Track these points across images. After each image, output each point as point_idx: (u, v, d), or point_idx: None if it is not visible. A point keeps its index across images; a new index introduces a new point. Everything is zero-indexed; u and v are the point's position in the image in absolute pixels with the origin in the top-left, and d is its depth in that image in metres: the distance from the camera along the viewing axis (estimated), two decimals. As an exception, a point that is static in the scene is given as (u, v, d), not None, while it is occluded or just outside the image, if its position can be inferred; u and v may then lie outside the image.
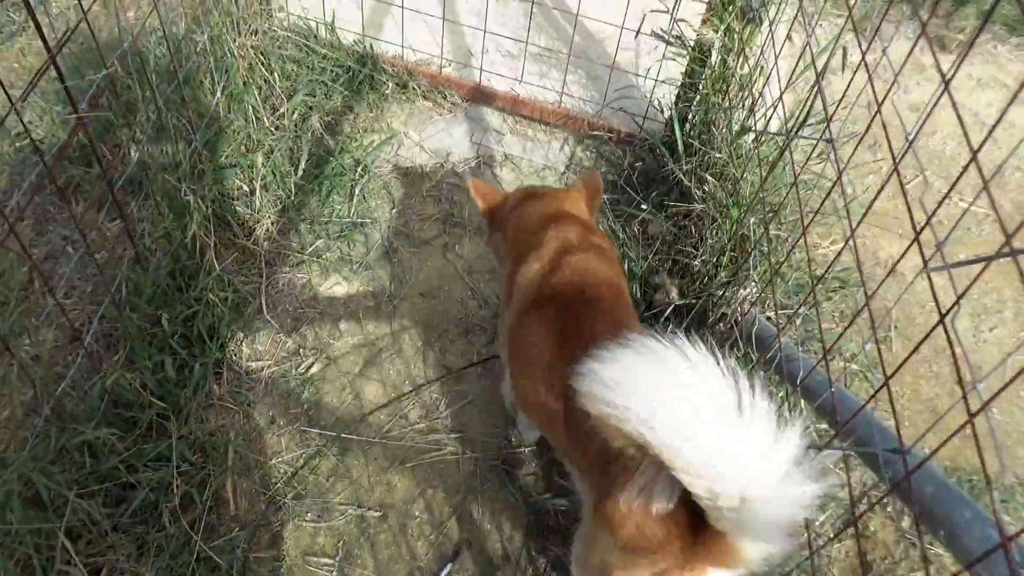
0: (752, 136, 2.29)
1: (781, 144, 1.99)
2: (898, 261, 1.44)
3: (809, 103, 1.80)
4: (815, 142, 2.29)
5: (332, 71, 3.06)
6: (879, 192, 1.51)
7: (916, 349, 1.24)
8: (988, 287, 2.94)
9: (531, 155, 3.10)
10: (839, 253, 1.49)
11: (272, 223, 2.65)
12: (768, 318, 2.14)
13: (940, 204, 1.33)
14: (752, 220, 2.15)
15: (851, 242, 1.44)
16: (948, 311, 1.05)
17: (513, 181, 2.99)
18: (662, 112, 2.92)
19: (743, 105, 2.48)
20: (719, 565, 1.28)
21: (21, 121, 1.43)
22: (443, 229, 2.83)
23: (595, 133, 3.08)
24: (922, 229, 1.20)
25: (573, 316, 1.66)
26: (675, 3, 2.56)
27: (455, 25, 3.35)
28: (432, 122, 3.16)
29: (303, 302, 2.55)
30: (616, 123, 3.06)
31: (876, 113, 1.40)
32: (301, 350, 2.43)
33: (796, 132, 1.93)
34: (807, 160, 2.00)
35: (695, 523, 1.26)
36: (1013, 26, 3.94)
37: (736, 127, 2.41)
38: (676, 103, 2.84)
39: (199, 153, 2.39)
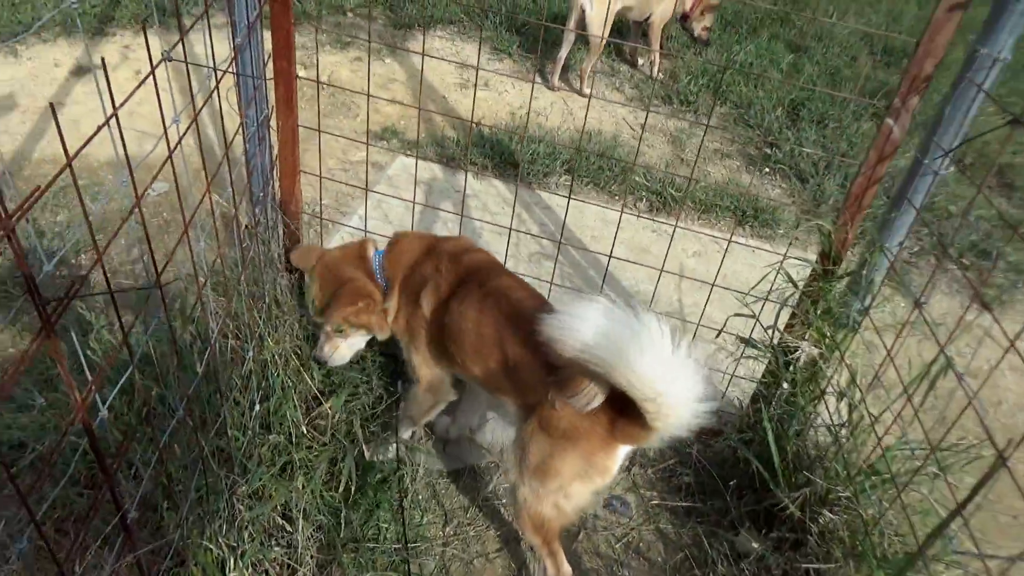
0: (883, 478, 2.04)
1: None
2: None
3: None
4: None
5: (375, 359, 2.79)
6: None
7: None
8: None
9: (590, 446, 2.80)
10: None
11: (312, 557, 2.25)
12: None
13: None
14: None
15: None
16: None
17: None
18: (741, 407, 2.69)
19: (849, 421, 2.26)
20: (628, 443, 1.99)
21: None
22: (506, 547, 2.46)
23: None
24: None
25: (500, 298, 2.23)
26: (760, 308, 2.40)
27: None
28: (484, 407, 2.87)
29: (351, 667, 2.10)
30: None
31: None
32: None
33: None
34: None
35: (613, 419, 1.93)
36: (1047, 280, 3.95)
37: (849, 452, 2.17)
38: (755, 401, 2.61)
39: (238, 500, 2.02)
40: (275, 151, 2.59)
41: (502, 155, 4.42)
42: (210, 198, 1.74)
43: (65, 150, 1.07)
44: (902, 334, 2.10)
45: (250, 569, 1.99)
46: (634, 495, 2.65)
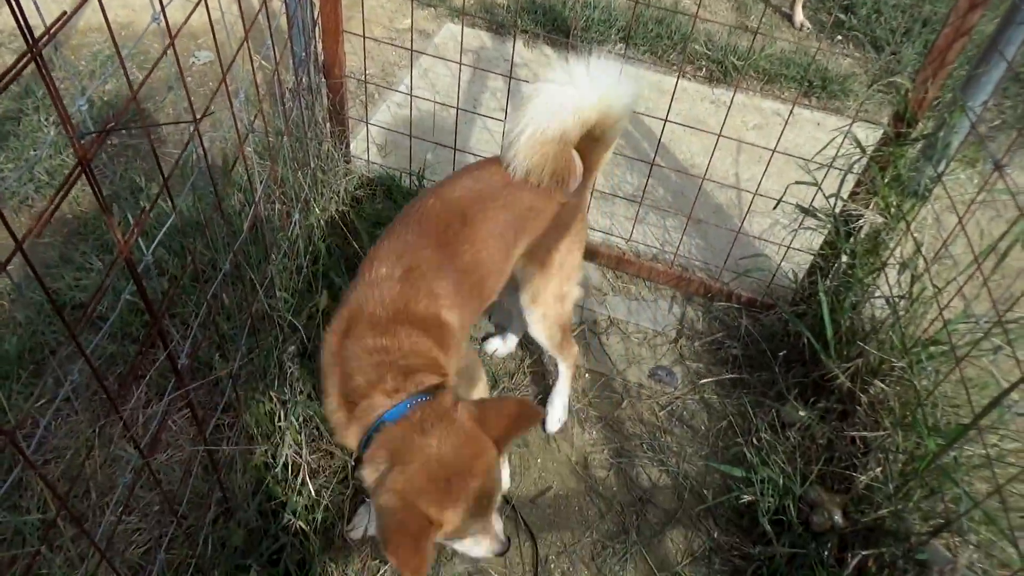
0: (941, 348, 1.96)
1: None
2: None
3: None
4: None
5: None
6: None
7: None
8: None
9: (638, 318, 2.78)
10: None
11: (361, 416, 2.32)
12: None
13: None
14: (953, 455, 1.81)
15: None
16: None
17: (622, 352, 2.67)
18: (796, 280, 2.61)
19: (910, 293, 2.16)
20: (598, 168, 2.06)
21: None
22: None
23: (708, 295, 2.78)
24: None
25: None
26: (823, 176, 2.27)
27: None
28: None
29: (400, 516, 2.19)
30: (734, 286, 2.75)
31: None
32: (403, 583, 2.07)
33: None
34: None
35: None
36: None
37: (907, 324, 2.09)
38: (811, 273, 2.53)
39: (288, 358, 2.07)
40: (316, 9, 2.49)
41: (554, 22, 4.20)
42: (248, 46, 1.68)
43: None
44: (976, 203, 1.96)
45: (300, 421, 2.06)
46: (680, 367, 2.64)
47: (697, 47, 4.11)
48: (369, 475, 1.37)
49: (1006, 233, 1.83)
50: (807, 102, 3.94)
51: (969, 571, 1.70)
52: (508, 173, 1.85)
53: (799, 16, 4.54)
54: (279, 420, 1.93)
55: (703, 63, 4.06)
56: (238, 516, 1.82)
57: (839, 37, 4.46)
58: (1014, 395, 1.62)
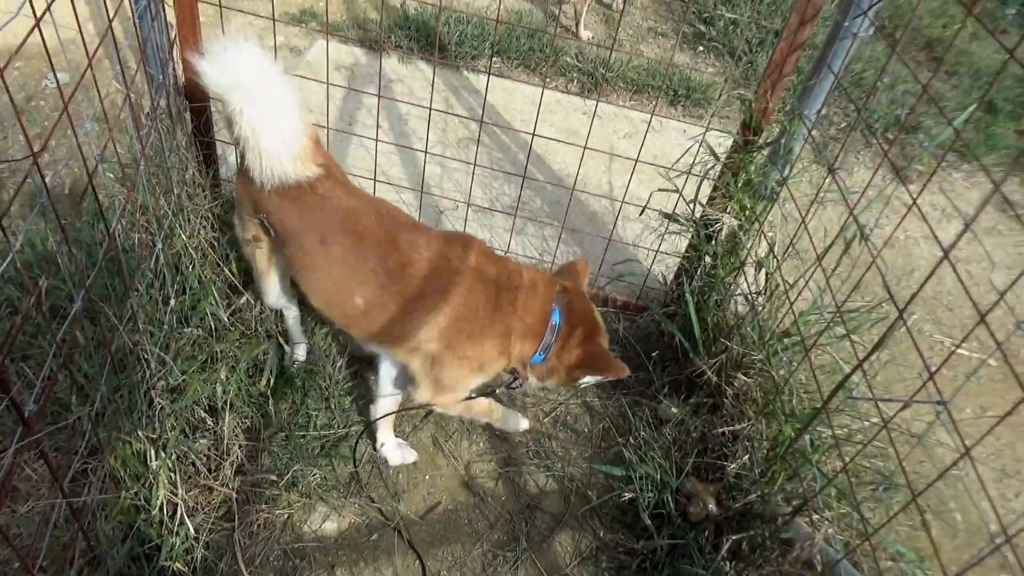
0: (793, 340, 2.11)
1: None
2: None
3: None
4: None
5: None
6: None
7: None
8: (1001, 444, 2.84)
9: (520, 327, 2.83)
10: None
11: (240, 448, 2.26)
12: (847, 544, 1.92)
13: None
14: (808, 438, 1.94)
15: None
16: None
17: (506, 362, 2.71)
18: (666, 282, 2.73)
19: (766, 289, 2.31)
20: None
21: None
22: (435, 425, 2.50)
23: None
24: None
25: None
26: (683, 182, 2.39)
27: (434, 197, 3.11)
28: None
29: (286, 547, 2.15)
30: (609, 291, 2.85)
31: None
32: (292, 616, 2.03)
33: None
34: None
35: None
36: (963, 152, 4.04)
37: (765, 319, 2.23)
38: (678, 276, 2.66)
39: (157, 394, 1.99)
40: (174, 31, 2.41)
41: (427, 37, 4.23)
42: (92, 71, 1.61)
43: None
44: (818, 202, 2.12)
45: (174, 459, 1.98)
46: (563, 372, 2.71)
47: (569, 59, 4.23)
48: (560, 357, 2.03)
49: (841, 231, 1.99)
50: (674, 111, 4.13)
51: (827, 544, 1.83)
52: (297, 183, 1.97)
53: (583, 31, 4.57)
54: (150, 460, 1.85)
55: (575, 75, 4.18)
56: (107, 565, 1.73)
57: (701, 48, 4.71)
58: (855, 378, 1.76)
